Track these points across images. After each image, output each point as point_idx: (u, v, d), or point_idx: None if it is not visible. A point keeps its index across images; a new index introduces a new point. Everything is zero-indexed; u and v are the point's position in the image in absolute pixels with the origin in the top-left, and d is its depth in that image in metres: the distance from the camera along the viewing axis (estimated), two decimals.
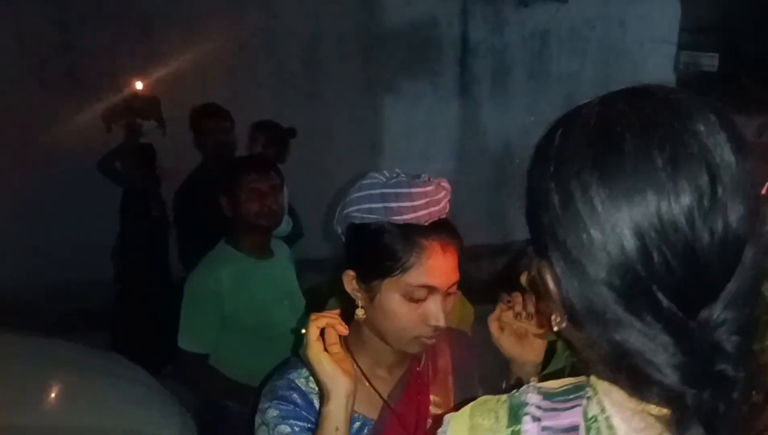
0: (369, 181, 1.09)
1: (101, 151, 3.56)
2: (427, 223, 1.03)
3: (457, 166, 5.57)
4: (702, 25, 6.92)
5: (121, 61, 4.23)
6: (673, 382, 0.57)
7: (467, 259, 1.13)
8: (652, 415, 0.60)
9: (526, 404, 0.65)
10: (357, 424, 1.09)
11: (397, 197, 1.03)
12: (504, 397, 0.68)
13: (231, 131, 3.23)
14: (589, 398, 0.64)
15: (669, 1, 6.56)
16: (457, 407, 0.74)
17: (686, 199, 0.55)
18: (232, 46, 4.55)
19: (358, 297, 1.09)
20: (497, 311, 1.15)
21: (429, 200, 1.04)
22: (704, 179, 0.55)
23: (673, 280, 0.57)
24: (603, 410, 0.62)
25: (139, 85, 3.75)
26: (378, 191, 1.06)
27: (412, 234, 1.03)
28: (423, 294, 1.04)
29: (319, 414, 1.01)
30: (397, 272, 1.02)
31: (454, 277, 1.07)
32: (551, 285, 0.62)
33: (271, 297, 2.02)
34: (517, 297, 1.14)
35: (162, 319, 2.30)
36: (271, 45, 4.89)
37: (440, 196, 1.06)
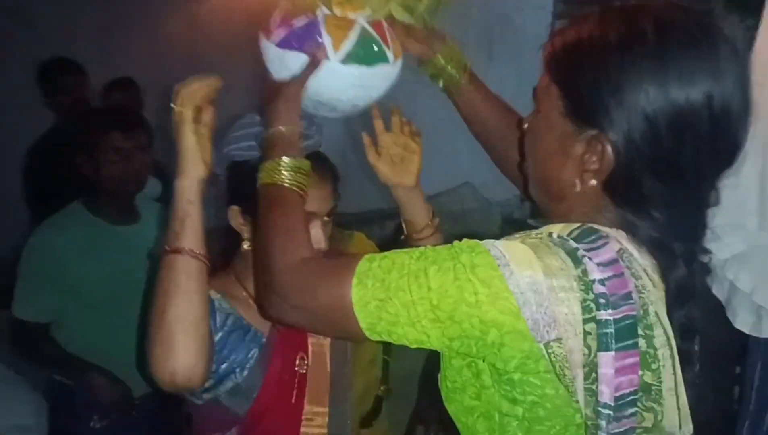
0: (246, 120, 1.17)
1: None
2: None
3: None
4: None
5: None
6: (667, 237, 0.78)
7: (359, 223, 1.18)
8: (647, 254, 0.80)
9: (577, 248, 0.76)
10: (250, 334, 1.19)
11: None
12: (547, 242, 0.77)
13: (87, 87, 3.01)
14: (607, 237, 0.77)
15: None
16: None
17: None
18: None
19: (244, 230, 1.20)
20: (370, 139, 1.24)
21: (302, 134, 1.05)
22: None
23: (716, 152, 0.77)
24: (621, 244, 0.78)
25: None
26: (257, 129, 1.11)
27: None
28: None
29: (173, 189, 1.03)
30: None
31: (330, 203, 1.18)
32: (608, 150, 0.76)
33: (126, 267, 1.83)
34: (397, 114, 1.24)
35: None
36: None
37: (312, 131, 1.16)
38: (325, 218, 1.18)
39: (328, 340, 1.29)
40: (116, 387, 1.81)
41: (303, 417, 1.22)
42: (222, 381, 1.16)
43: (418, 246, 0.94)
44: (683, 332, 0.80)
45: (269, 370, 1.20)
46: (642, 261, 0.79)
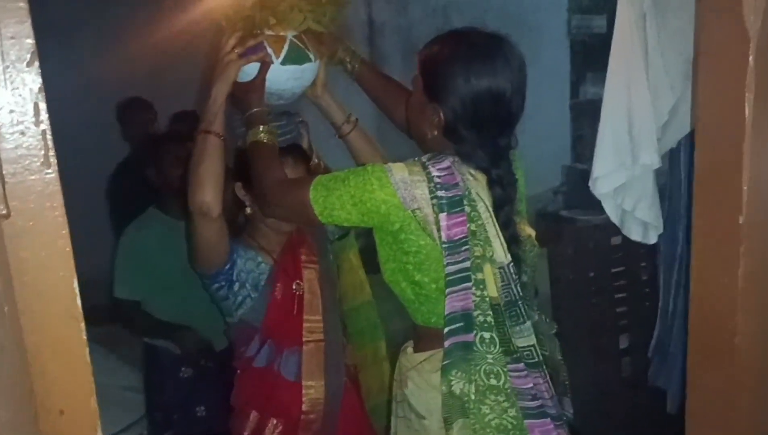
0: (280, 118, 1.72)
1: None
2: (283, 146, 1.64)
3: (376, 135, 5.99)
4: None
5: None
6: (487, 165, 1.34)
7: None
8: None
9: (426, 162, 1.33)
10: (261, 266, 1.73)
11: None
12: (413, 161, 1.34)
13: (154, 123, 3.52)
14: (445, 156, 1.34)
15: None
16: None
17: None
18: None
19: (246, 198, 1.73)
20: None
21: (283, 131, 1.63)
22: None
23: (497, 120, 1.34)
24: (456, 160, 1.34)
25: None
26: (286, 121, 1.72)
27: None
28: None
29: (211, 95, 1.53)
30: None
31: None
32: (441, 114, 1.33)
33: None
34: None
35: None
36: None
37: (291, 127, 1.66)
38: None
39: (318, 268, 1.79)
40: (201, 341, 2.34)
41: (304, 326, 1.72)
42: (244, 301, 1.69)
43: (347, 142, 1.71)
44: (506, 223, 1.34)
45: (273, 292, 1.72)
46: (467, 167, 1.37)
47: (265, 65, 1.53)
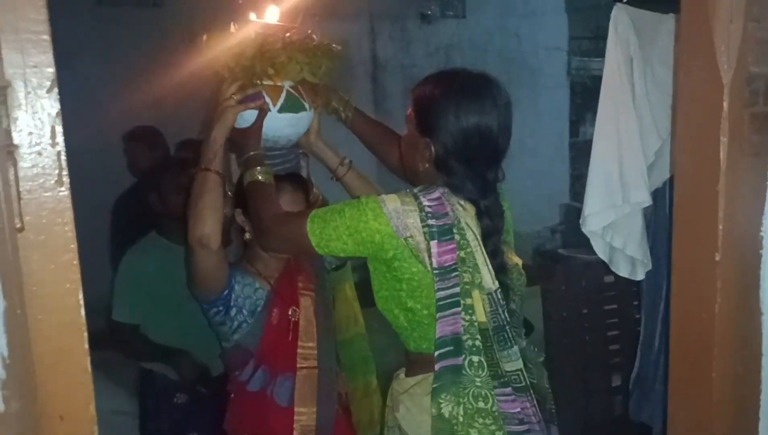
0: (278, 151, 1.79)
1: None
2: (282, 174, 1.72)
3: (377, 172, 6.07)
4: (589, 34, 7.74)
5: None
6: (476, 196, 1.39)
7: None
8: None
9: (417, 193, 1.38)
10: (258, 291, 1.76)
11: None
12: (404, 193, 1.39)
13: (158, 152, 3.49)
14: (435, 188, 1.39)
15: (558, 13, 7.30)
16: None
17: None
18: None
19: (246, 224, 1.76)
20: None
21: (283, 160, 1.72)
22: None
23: (484, 154, 1.39)
24: (446, 192, 1.39)
25: None
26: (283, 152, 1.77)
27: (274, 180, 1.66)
28: None
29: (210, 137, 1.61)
30: None
31: (301, 206, 1.75)
32: (432, 148, 1.38)
33: None
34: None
35: None
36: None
37: (291, 157, 1.74)
38: None
39: (314, 296, 1.83)
40: (198, 366, 2.34)
41: (298, 352, 1.75)
42: (240, 326, 1.71)
43: (344, 183, 1.76)
44: (493, 252, 1.40)
45: (269, 318, 1.75)
46: (456, 198, 1.40)
47: (262, 113, 1.61)
